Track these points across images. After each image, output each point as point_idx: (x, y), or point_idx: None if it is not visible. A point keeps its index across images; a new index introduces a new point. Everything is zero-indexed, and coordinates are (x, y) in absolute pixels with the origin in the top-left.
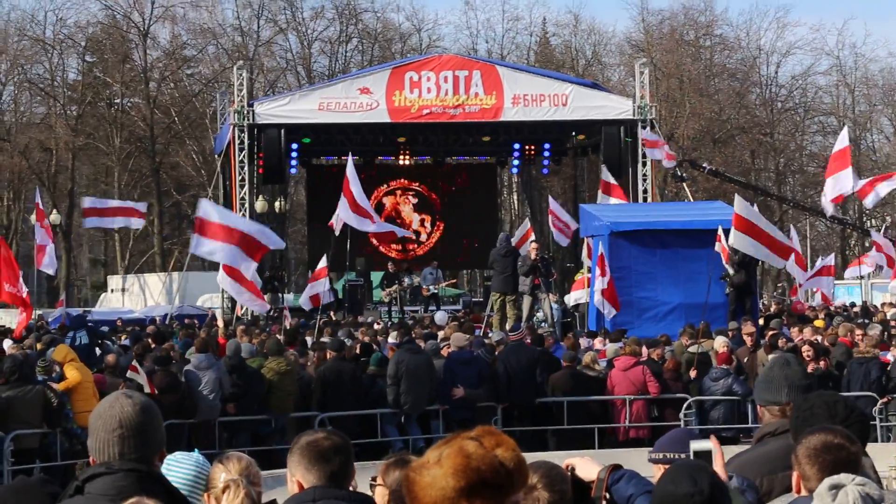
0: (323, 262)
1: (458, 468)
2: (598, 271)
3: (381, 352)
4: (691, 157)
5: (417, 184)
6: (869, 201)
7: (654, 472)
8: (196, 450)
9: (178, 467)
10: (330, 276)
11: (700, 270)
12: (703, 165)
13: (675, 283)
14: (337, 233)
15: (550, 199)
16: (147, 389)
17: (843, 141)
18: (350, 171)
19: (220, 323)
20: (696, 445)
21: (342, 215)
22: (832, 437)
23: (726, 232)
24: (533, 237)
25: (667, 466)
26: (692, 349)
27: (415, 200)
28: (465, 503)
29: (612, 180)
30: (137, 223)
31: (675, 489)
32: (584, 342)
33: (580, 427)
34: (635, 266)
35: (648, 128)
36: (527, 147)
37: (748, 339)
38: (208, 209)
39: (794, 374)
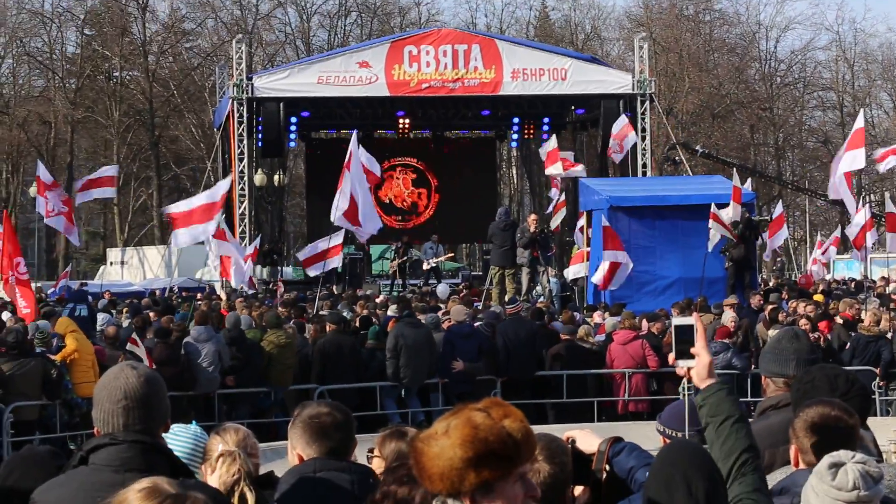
0: (338, 240)
1: (466, 439)
2: (604, 243)
3: (381, 325)
4: (685, 139)
5: (416, 160)
6: (883, 166)
7: (658, 444)
8: (194, 421)
9: (175, 439)
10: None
11: (699, 245)
12: (696, 148)
13: (674, 258)
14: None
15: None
16: (145, 362)
17: (859, 122)
18: (354, 147)
19: (223, 295)
20: (678, 321)
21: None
22: (829, 409)
23: (721, 208)
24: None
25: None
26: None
27: (413, 176)
28: (472, 474)
29: (552, 147)
30: (111, 192)
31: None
32: (577, 316)
33: (579, 400)
34: (634, 240)
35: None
36: (526, 121)
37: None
38: (177, 205)
39: (802, 348)
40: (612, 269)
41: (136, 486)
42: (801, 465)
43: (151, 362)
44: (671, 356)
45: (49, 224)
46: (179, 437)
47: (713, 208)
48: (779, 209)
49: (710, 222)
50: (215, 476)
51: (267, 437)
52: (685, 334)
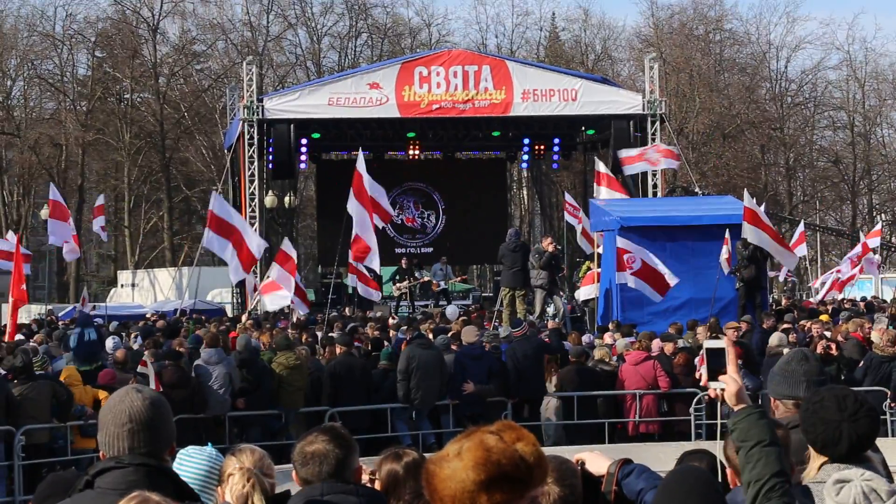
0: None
1: (479, 461)
2: (617, 265)
3: (392, 346)
4: (683, 183)
5: (425, 184)
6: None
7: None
8: (210, 443)
9: (190, 462)
10: (339, 271)
11: (710, 265)
12: (696, 191)
13: (684, 278)
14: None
15: (566, 194)
16: (153, 385)
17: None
18: (360, 166)
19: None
20: (710, 344)
21: (351, 210)
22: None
23: (736, 230)
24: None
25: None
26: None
27: (423, 199)
28: (484, 497)
29: (605, 170)
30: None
31: None
32: (585, 339)
33: (589, 422)
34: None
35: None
36: (536, 142)
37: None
38: (220, 204)
39: (812, 370)
40: (652, 278)
41: (125, 499)
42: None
43: (158, 385)
44: (704, 378)
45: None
46: (195, 459)
47: (727, 234)
48: (800, 228)
49: (724, 248)
50: (228, 490)
51: (278, 460)
52: (717, 357)
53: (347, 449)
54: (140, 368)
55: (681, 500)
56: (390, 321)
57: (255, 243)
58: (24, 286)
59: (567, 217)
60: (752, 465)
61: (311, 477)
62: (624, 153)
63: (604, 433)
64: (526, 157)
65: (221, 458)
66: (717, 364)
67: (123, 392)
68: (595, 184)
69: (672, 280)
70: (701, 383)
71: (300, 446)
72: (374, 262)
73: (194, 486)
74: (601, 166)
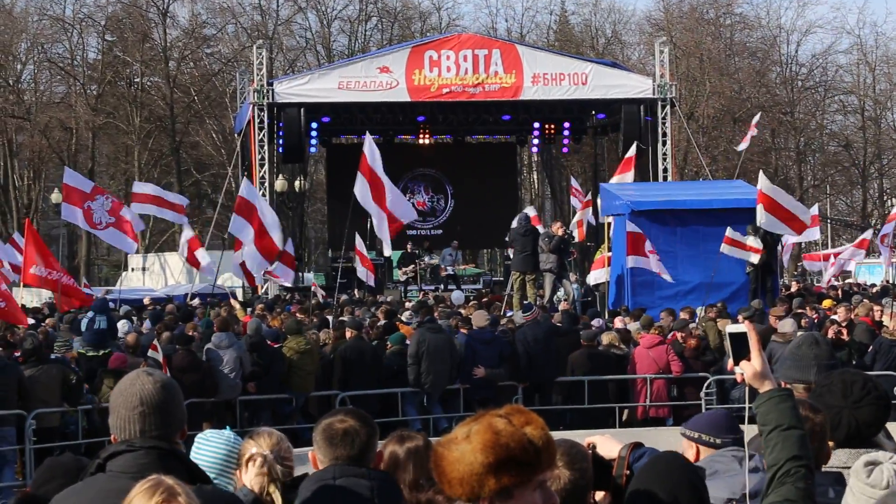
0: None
1: (487, 444)
2: (628, 248)
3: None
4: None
5: (434, 169)
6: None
7: (683, 448)
8: (228, 427)
9: (208, 445)
10: (350, 255)
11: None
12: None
13: (695, 263)
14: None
15: (573, 179)
16: (162, 368)
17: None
18: (368, 149)
19: (236, 304)
20: (731, 328)
21: (358, 194)
22: None
23: (746, 215)
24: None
25: (699, 447)
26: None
27: (433, 182)
28: (492, 479)
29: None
30: (181, 219)
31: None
32: (596, 323)
33: (600, 406)
34: (656, 245)
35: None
36: (546, 126)
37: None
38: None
39: (823, 354)
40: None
41: (139, 484)
42: None
43: (166, 368)
44: (730, 363)
45: (103, 238)
46: (213, 443)
47: (728, 232)
48: (814, 210)
49: (724, 246)
50: (249, 476)
51: (291, 444)
52: (740, 341)
53: (374, 431)
54: (150, 353)
55: (652, 484)
56: (407, 304)
57: (278, 237)
58: (35, 269)
59: (573, 201)
60: (770, 450)
61: (340, 457)
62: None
63: (614, 417)
64: (536, 140)
65: (240, 442)
66: (740, 348)
67: (134, 375)
68: (623, 170)
69: (665, 276)
70: (726, 368)
71: (328, 424)
72: (385, 244)
73: (213, 470)
74: (632, 151)
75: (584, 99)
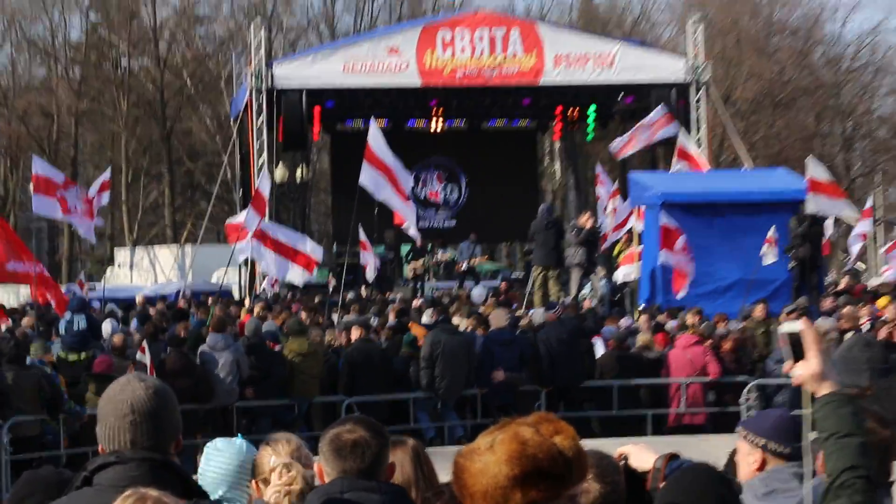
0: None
1: (513, 455)
2: (661, 242)
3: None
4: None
5: (449, 157)
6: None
7: (741, 453)
8: (239, 435)
9: (218, 456)
10: (355, 250)
11: (761, 244)
12: None
13: (733, 258)
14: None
15: (598, 167)
16: (148, 372)
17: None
18: (373, 135)
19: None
20: (787, 327)
21: (369, 184)
22: None
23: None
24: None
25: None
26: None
27: (447, 172)
28: (518, 493)
29: (692, 150)
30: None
31: None
32: (624, 322)
33: (630, 412)
34: (690, 239)
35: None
36: (570, 111)
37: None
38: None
39: (876, 357)
40: (679, 272)
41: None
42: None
43: (153, 371)
44: (787, 364)
45: (73, 223)
46: (224, 453)
47: (771, 233)
48: (869, 202)
49: (765, 247)
50: (271, 489)
51: None
52: (797, 341)
53: (385, 441)
54: (138, 356)
55: (676, 498)
56: (416, 303)
57: (310, 247)
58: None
59: (598, 189)
60: (828, 458)
61: (349, 470)
62: (617, 144)
63: (646, 425)
64: (559, 127)
65: (254, 451)
66: (797, 348)
67: (124, 381)
68: (676, 157)
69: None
70: (784, 370)
71: (335, 434)
72: (412, 230)
73: (224, 483)
74: (686, 141)
75: (611, 82)
